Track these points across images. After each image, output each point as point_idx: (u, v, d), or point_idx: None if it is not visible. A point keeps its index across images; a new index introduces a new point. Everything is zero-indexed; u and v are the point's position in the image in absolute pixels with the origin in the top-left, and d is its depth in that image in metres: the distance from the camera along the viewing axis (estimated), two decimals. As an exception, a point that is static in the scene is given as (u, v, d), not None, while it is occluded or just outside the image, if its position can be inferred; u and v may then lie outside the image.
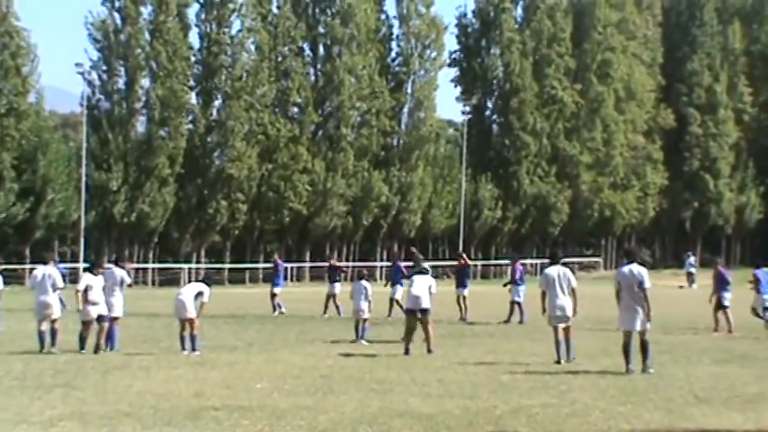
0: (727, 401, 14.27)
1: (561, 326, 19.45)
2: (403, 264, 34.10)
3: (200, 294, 21.43)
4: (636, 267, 17.89)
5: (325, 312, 33.74)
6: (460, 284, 32.38)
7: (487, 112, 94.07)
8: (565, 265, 20.41)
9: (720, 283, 28.09)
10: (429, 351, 21.07)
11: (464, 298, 31.95)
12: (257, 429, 11.73)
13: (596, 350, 22.03)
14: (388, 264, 35.96)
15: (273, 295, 35.02)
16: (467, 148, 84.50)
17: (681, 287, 60.95)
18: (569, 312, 19.44)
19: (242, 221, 74.59)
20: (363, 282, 24.95)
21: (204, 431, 11.56)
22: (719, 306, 27.88)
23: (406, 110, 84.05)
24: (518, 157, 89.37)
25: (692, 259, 68.77)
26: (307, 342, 23.77)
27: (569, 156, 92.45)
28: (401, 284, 31.43)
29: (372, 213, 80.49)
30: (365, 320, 24.35)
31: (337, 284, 34.21)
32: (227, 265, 73.24)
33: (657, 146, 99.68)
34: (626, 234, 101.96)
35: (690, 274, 64.71)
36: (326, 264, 37.73)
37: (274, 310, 34.54)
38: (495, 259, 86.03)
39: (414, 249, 32.88)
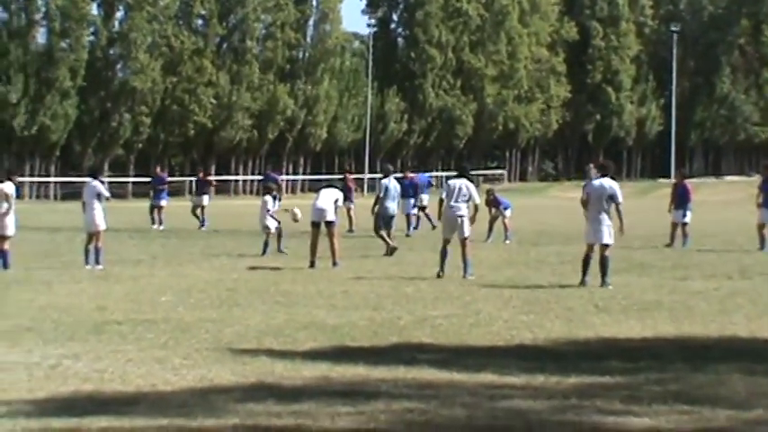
0: (625, 309, 14.56)
1: (452, 239, 19.35)
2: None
3: (99, 196, 21.15)
4: (608, 181, 17.94)
5: (202, 226, 34.18)
6: (347, 198, 32.17)
7: (393, 25, 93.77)
8: (470, 179, 20.04)
9: (684, 199, 27.64)
10: (334, 264, 21.10)
11: (349, 209, 32.32)
12: (161, 342, 11.68)
13: (500, 262, 22.31)
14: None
15: (160, 208, 34.95)
16: (372, 62, 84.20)
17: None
18: (466, 229, 19.40)
19: (146, 135, 73.72)
20: (267, 197, 24.99)
21: (107, 345, 11.49)
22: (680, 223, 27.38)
23: (311, 22, 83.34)
24: (423, 70, 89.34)
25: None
26: (212, 256, 23.68)
27: (474, 69, 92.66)
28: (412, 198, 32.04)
29: (278, 127, 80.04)
30: (269, 235, 24.32)
31: (205, 196, 36.03)
32: (131, 179, 72.43)
33: (561, 59, 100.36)
34: (530, 146, 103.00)
35: (592, 185, 65.52)
36: (196, 177, 38.32)
37: (157, 223, 34.38)
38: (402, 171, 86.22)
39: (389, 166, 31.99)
